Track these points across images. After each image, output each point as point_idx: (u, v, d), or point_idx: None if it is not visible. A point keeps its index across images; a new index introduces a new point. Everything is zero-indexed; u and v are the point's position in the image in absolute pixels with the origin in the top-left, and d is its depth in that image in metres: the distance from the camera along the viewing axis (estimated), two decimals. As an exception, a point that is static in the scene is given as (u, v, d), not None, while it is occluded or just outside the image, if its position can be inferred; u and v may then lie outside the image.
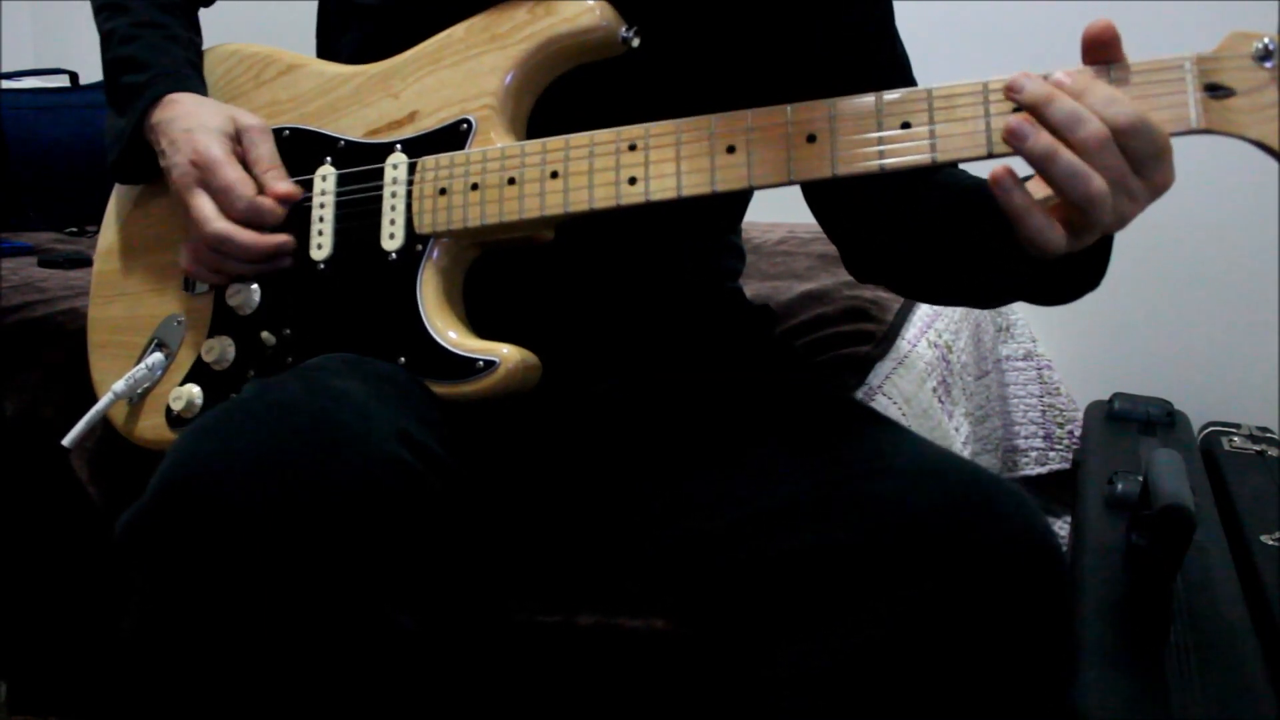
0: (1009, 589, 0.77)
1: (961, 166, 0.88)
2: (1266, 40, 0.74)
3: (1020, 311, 2.07)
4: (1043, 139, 0.74)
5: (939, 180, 0.96)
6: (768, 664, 0.83)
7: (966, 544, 0.77)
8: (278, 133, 1.02)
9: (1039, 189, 0.78)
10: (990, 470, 0.92)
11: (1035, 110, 0.75)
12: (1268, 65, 0.74)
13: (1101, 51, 0.76)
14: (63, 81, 2.27)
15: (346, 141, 0.98)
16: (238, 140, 1.00)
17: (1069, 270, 0.84)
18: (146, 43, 1.07)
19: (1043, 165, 0.75)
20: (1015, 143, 0.75)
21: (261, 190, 0.98)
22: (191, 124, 1.00)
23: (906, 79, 1.03)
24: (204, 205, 0.97)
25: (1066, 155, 0.74)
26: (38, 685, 1.44)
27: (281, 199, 0.97)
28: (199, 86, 1.06)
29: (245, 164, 0.99)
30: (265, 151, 0.99)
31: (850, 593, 0.79)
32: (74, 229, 2.02)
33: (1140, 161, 0.75)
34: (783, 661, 0.82)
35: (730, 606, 0.87)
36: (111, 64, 1.08)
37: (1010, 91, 0.76)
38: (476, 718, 1.07)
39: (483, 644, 1.06)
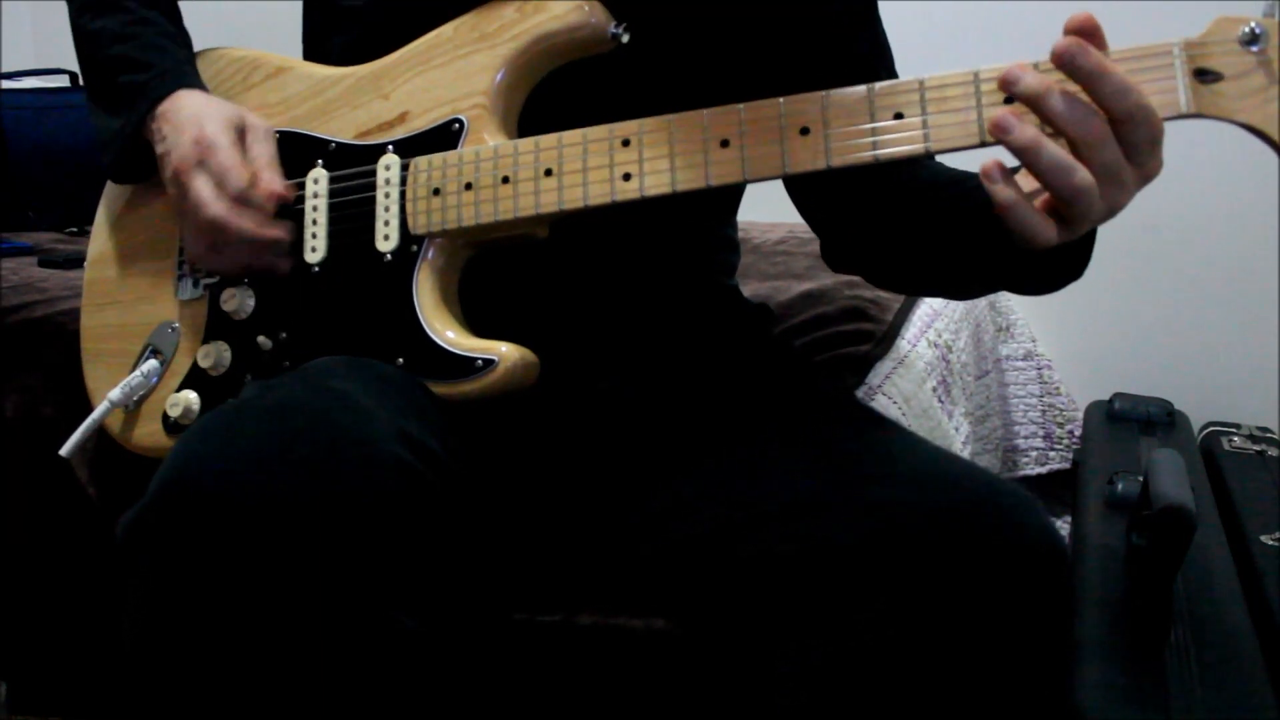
0: (1012, 593, 0.77)
1: (954, 157, 0.88)
2: (1253, 25, 0.74)
3: (1020, 311, 2.07)
4: (1027, 132, 0.74)
5: (925, 171, 0.96)
6: (767, 663, 0.83)
7: (970, 549, 0.77)
8: None
9: (1029, 182, 0.78)
10: (993, 473, 0.93)
11: (1032, 103, 0.74)
12: (1254, 49, 0.74)
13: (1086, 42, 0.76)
14: (63, 81, 2.27)
15: (337, 144, 0.98)
16: (241, 136, 0.99)
17: (1053, 260, 0.84)
18: (143, 42, 1.05)
19: (1028, 158, 0.75)
20: (1000, 135, 0.75)
21: (254, 185, 0.97)
22: (199, 112, 0.99)
23: (889, 68, 1.03)
24: (203, 187, 0.96)
25: (1051, 148, 0.74)
26: (38, 685, 1.44)
27: (271, 198, 0.96)
28: (201, 85, 1.05)
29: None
30: (264, 150, 0.98)
31: (850, 594, 0.79)
32: (74, 229, 2.02)
33: (1136, 149, 0.75)
34: (782, 661, 0.82)
35: (729, 606, 0.87)
36: (105, 63, 1.06)
37: (1006, 84, 0.75)
38: (477, 718, 1.07)
39: (483, 644, 1.06)
